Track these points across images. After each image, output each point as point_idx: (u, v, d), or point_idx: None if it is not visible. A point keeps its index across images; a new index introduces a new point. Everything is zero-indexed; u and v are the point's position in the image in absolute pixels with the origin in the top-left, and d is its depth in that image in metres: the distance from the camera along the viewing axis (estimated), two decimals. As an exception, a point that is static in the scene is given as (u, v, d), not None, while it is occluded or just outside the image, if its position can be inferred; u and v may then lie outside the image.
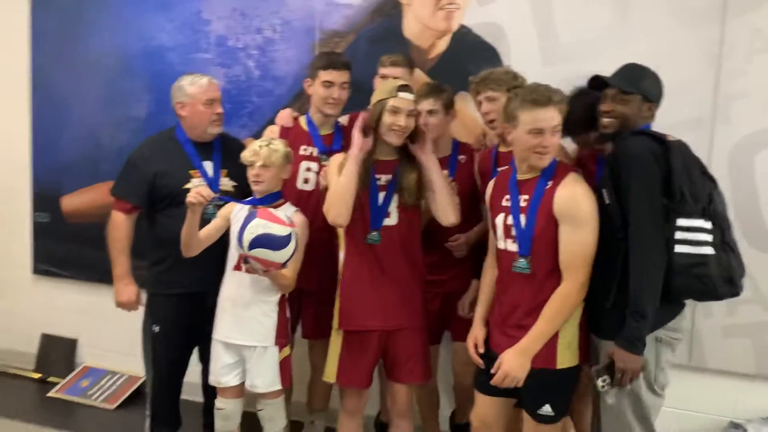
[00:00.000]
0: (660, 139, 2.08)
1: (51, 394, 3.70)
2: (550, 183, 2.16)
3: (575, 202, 2.10)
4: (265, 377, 2.49)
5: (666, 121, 2.70)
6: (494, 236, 2.30)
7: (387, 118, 2.35)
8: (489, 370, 2.21)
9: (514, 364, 2.13)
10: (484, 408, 2.34)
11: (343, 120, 2.90)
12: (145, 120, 3.57)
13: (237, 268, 2.50)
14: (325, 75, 2.70)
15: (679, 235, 2.01)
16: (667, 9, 2.74)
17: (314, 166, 2.76)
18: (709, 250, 2.02)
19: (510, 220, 2.21)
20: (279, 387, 2.51)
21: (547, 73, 2.73)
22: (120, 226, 2.74)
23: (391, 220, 2.42)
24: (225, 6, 3.40)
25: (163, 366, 2.80)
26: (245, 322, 2.48)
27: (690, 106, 2.74)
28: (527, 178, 2.20)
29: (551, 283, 2.14)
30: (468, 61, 2.99)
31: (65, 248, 3.83)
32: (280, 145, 2.51)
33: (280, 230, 2.28)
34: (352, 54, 3.19)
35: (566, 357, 2.15)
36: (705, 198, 2.06)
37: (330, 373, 2.47)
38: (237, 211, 2.51)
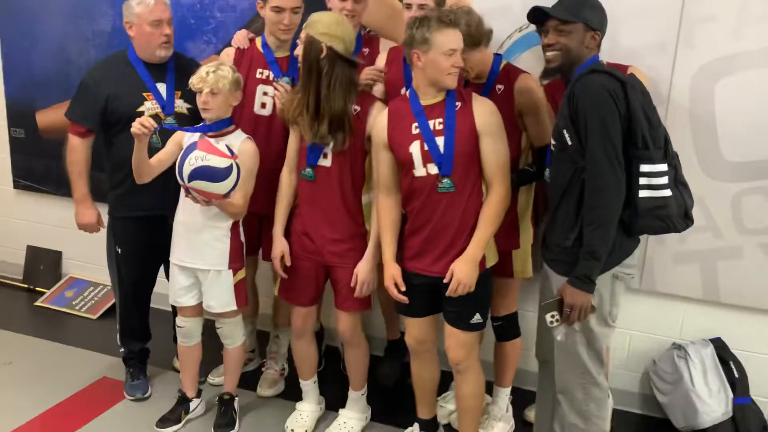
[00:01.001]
0: (619, 78, 2.03)
1: (37, 303, 3.88)
2: (458, 104, 2.27)
3: (494, 116, 2.28)
4: (219, 299, 2.59)
5: (630, 44, 2.68)
6: (405, 168, 2.34)
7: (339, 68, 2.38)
8: (412, 294, 2.39)
9: (465, 271, 2.27)
10: (415, 329, 2.50)
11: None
12: (110, 34, 3.53)
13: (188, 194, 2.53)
14: (273, 0, 2.63)
15: (642, 180, 2.03)
16: (636, -75, 2.61)
17: (270, 90, 2.74)
18: (668, 192, 2.06)
19: (426, 146, 2.27)
20: (234, 308, 2.62)
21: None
22: (76, 149, 2.77)
23: (327, 162, 2.47)
24: None
25: (128, 286, 2.91)
26: (198, 247, 2.55)
27: (655, 29, 2.66)
28: (434, 103, 2.28)
29: (474, 199, 2.29)
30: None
31: (43, 163, 3.89)
32: (228, 71, 2.47)
33: (219, 162, 2.29)
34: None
35: (490, 256, 2.36)
36: (662, 140, 2.07)
37: (276, 288, 2.69)
38: (188, 138, 2.52)
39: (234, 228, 2.58)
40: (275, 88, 2.72)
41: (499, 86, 2.49)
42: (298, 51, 2.41)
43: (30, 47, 3.74)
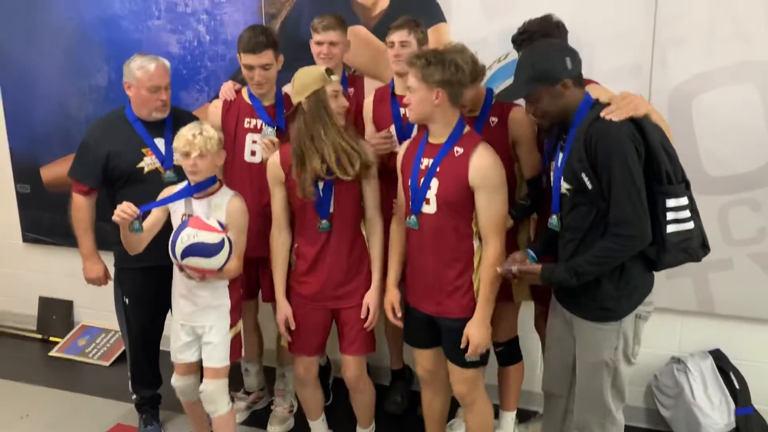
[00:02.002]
0: (632, 119, 2.00)
1: (52, 353, 3.97)
2: (459, 150, 2.26)
3: (492, 170, 2.25)
4: (215, 354, 2.60)
5: (605, 68, 2.75)
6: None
7: (332, 104, 2.43)
8: (414, 325, 2.45)
9: (479, 335, 2.31)
10: (423, 360, 2.55)
11: (287, 89, 2.93)
12: (107, 89, 3.64)
13: None
14: (244, 58, 2.71)
15: (670, 215, 2.02)
16: (604, -46, 2.69)
17: (259, 138, 2.80)
18: (692, 224, 2.06)
19: (410, 182, 2.35)
20: (227, 363, 2.62)
21: (488, 26, 2.76)
22: (81, 208, 2.86)
23: (332, 207, 2.52)
24: (171, -30, 3.39)
25: (137, 334, 2.98)
26: (198, 306, 2.57)
27: (629, 52, 2.74)
28: (436, 143, 2.32)
29: (459, 244, 2.31)
30: (411, 16, 2.97)
31: (49, 216, 3.99)
32: (212, 131, 2.49)
33: (211, 238, 2.33)
34: (298, 14, 3.20)
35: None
36: (682, 173, 2.07)
37: (283, 342, 2.73)
38: (175, 207, 2.55)
39: (232, 283, 2.61)
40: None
41: (493, 119, 2.53)
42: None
43: (31, 104, 3.86)
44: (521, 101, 2.44)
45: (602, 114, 2.01)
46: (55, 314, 4.18)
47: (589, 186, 2.04)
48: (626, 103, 2.02)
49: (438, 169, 2.28)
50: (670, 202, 2.02)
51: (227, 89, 2.89)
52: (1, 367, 3.80)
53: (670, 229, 2.02)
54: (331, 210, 2.51)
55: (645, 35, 2.69)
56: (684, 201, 2.05)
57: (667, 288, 2.86)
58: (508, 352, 2.83)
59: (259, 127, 2.81)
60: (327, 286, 2.57)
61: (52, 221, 3.99)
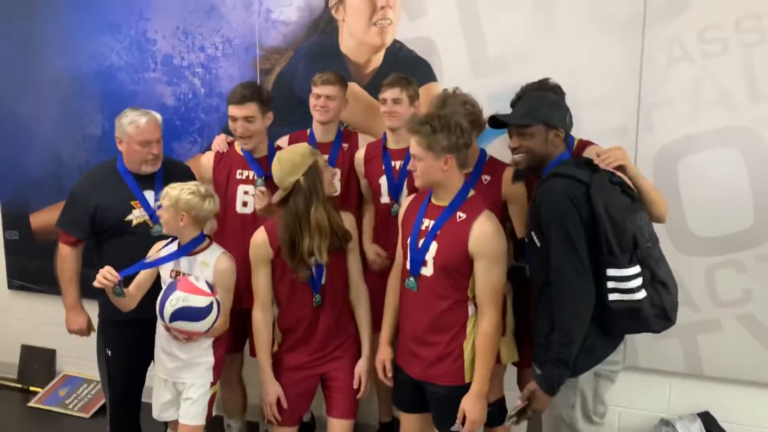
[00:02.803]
0: (582, 181, 2.03)
1: (31, 404, 3.88)
2: (462, 215, 2.24)
3: (493, 239, 2.22)
4: (191, 412, 2.55)
5: (593, 129, 2.80)
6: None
7: (326, 174, 2.47)
8: (402, 387, 2.42)
9: (476, 410, 2.26)
10: (409, 425, 2.49)
11: (281, 142, 2.97)
12: (100, 139, 3.66)
13: None
14: (229, 109, 2.77)
15: (611, 284, 2.02)
16: (591, 20, 2.77)
17: (251, 189, 2.83)
18: (641, 294, 2.03)
19: (409, 242, 2.34)
20: (202, 423, 2.58)
21: (478, 85, 2.81)
22: (66, 258, 2.84)
23: (323, 279, 2.52)
24: (169, 26, 3.45)
25: (118, 387, 2.92)
26: (181, 362, 2.55)
27: (615, 114, 2.79)
28: (440, 206, 2.30)
29: (453, 312, 2.27)
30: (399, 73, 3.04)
31: (36, 264, 3.96)
32: (187, 195, 2.44)
33: (199, 301, 2.32)
34: (292, 69, 3.27)
35: (471, 372, 2.29)
36: (631, 243, 2.02)
37: (267, 420, 2.63)
38: (165, 269, 2.54)
39: (217, 340, 2.58)
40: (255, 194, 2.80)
41: (486, 176, 2.55)
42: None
43: (24, 152, 3.88)
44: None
45: (596, 162, 2.10)
46: (37, 363, 4.10)
47: (538, 244, 2.10)
48: (621, 153, 2.13)
49: (438, 233, 2.26)
50: (611, 272, 2.02)
51: (220, 141, 2.93)
52: (-22, 417, 3.71)
53: (612, 297, 2.03)
54: (322, 282, 2.52)
55: (631, 98, 2.75)
56: (629, 271, 2.01)
57: (655, 349, 2.87)
58: (495, 413, 2.78)
59: (251, 178, 2.84)
60: (315, 354, 2.56)
61: (39, 268, 3.95)
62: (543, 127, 2.15)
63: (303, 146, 2.51)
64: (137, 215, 2.77)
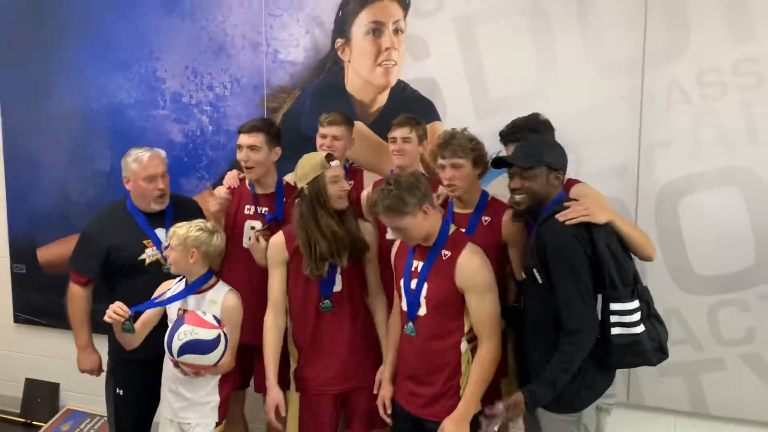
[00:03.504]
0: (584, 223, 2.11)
1: (33, 439, 3.88)
2: (447, 253, 2.30)
3: (479, 272, 2.28)
4: None
5: (594, 169, 2.84)
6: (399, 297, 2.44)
7: (331, 189, 2.51)
8: (400, 423, 2.43)
9: (455, 427, 2.26)
10: None
11: (288, 178, 3.01)
12: (109, 175, 3.71)
13: None
14: (238, 139, 2.84)
15: (614, 318, 2.10)
16: (591, 62, 2.83)
17: (258, 224, 2.86)
18: (640, 328, 2.12)
19: (402, 284, 2.38)
20: None
21: (480, 125, 2.85)
22: (77, 299, 2.85)
23: (338, 287, 2.56)
24: (178, 64, 3.53)
25: (127, 427, 2.90)
26: (186, 403, 2.55)
27: (616, 154, 2.82)
28: (424, 246, 2.36)
29: (450, 348, 2.31)
30: (408, 114, 3.10)
31: (42, 297, 3.99)
32: (196, 232, 2.51)
33: (207, 334, 2.34)
34: (299, 108, 3.33)
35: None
36: (631, 278, 2.14)
37: (292, 429, 2.64)
38: (172, 308, 2.56)
39: (223, 378, 2.59)
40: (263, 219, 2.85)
41: (486, 218, 2.57)
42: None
43: (32, 187, 3.94)
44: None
45: (557, 216, 2.12)
46: (41, 397, 4.10)
47: (540, 280, 2.15)
48: (583, 209, 2.12)
49: (428, 273, 2.31)
50: (614, 306, 2.10)
51: (231, 177, 2.98)
52: (-19, 452, 3.70)
53: (615, 331, 2.10)
54: (337, 289, 2.54)
55: (632, 138, 2.79)
56: (630, 306, 2.10)
57: (659, 387, 2.86)
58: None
59: (259, 213, 2.87)
60: (331, 368, 2.55)
61: (45, 302, 3.99)
62: (545, 169, 2.21)
63: (318, 157, 2.54)
64: (150, 254, 2.78)
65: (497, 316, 2.30)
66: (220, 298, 2.53)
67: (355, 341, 2.57)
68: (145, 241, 2.80)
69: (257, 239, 2.73)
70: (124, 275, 2.77)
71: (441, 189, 2.68)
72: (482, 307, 2.27)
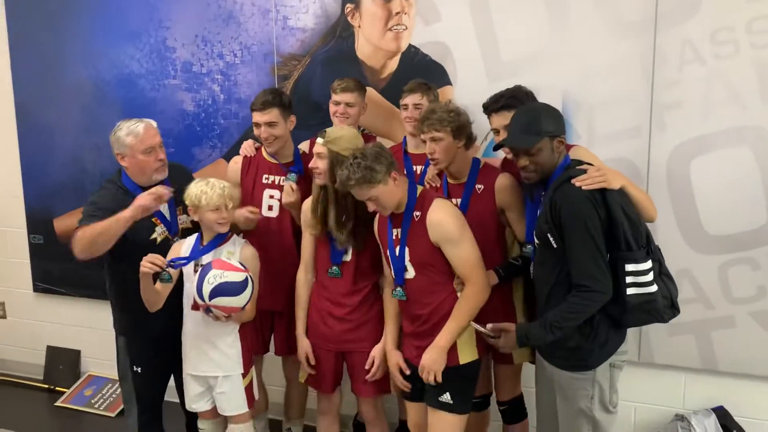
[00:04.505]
0: None
1: (58, 403, 3.98)
2: (417, 213, 2.40)
3: (446, 224, 2.36)
4: (233, 403, 2.67)
5: (606, 131, 2.85)
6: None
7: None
8: (407, 377, 2.53)
9: (430, 357, 2.39)
10: (414, 414, 2.63)
11: (303, 146, 3.03)
12: (122, 145, 3.73)
13: (194, 307, 2.59)
14: (253, 116, 2.84)
15: (629, 279, 2.13)
16: (603, 23, 2.81)
17: (277, 193, 2.90)
18: (654, 288, 2.16)
19: (388, 253, 2.47)
20: (247, 410, 2.71)
21: (492, 89, 2.82)
22: (86, 229, 2.60)
23: (347, 257, 2.62)
24: (188, 33, 3.53)
25: (146, 402, 2.92)
26: (211, 356, 2.64)
27: (628, 115, 2.83)
28: (397, 213, 2.44)
29: (444, 297, 2.42)
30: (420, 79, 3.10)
31: (60, 267, 4.06)
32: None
33: (236, 276, 2.42)
34: (310, 75, 3.33)
35: (466, 353, 2.43)
36: (644, 239, 2.17)
37: (301, 376, 2.82)
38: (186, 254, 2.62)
39: (241, 332, 2.68)
40: (281, 188, 2.86)
41: (479, 186, 2.59)
42: (319, 164, 2.54)
43: (48, 158, 3.98)
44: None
45: (573, 181, 2.13)
46: (62, 364, 4.21)
47: (555, 245, 2.18)
48: (599, 174, 2.14)
49: (407, 237, 2.40)
50: (629, 267, 2.13)
51: (248, 146, 3.00)
52: (7, 416, 3.81)
53: (630, 291, 2.13)
54: (346, 259, 2.61)
55: (643, 99, 2.79)
56: (644, 266, 2.14)
57: (669, 345, 2.91)
58: (513, 410, 2.85)
59: (276, 183, 2.91)
60: (328, 327, 2.67)
61: (63, 271, 4.05)
62: (547, 140, 2.21)
63: (351, 135, 2.58)
64: (160, 232, 2.75)
65: (476, 261, 2.37)
66: (238, 249, 2.62)
67: (355, 311, 2.64)
68: (153, 219, 2.73)
69: (291, 189, 2.80)
70: (137, 258, 2.51)
71: (431, 168, 2.71)
72: (459, 256, 2.35)
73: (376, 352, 2.64)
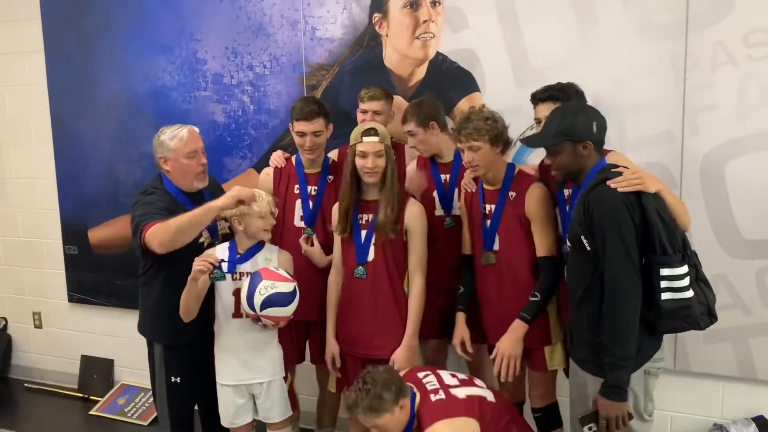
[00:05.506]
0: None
1: (92, 412, 4.04)
2: (513, 193, 2.54)
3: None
4: (279, 409, 2.67)
5: (638, 135, 2.83)
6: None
7: (357, 162, 2.57)
8: None
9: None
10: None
11: (333, 155, 3.05)
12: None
13: (236, 315, 2.58)
14: (297, 125, 2.82)
15: (664, 284, 2.08)
16: (633, 26, 2.79)
17: (309, 204, 2.92)
18: (690, 293, 2.10)
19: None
20: (291, 413, 2.72)
21: (521, 95, 2.84)
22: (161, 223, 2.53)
23: (371, 256, 2.63)
24: (218, 46, 3.59)
25: (182, 416, 2.84)
26: (255, 362, 2.63)
27: (660, 119, 2.80)
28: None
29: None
30: (446, 86, 3.13)
31: (94, 277, 4.14)
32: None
33: (286, 287, 2.45)
34: (338, 85, 3.36)
35: (555, 331, 2.63)
36: (680, 243, 2.12)
37: (331, 385, 2.84)
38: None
39: (279, 337, 2.70)
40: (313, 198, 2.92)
41: (512, 192, 2.58)
42: (379, 163, 2.57)
43: (82, 170, 4.07)
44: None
45: (609, 183, 2.10)
46: (96, 373, 4.27)
47: (588, 248, 2.14)
48: (636, 177, 2.11)
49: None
50: (664, 271, 2.08)
51: (278, 157, 3.01)
52: (43, 425, 3.88)
53: (665, 296, 2.08)
54: (370, 259, 2.63)
55: (675, 103, 2.76)
56: (680, 270, 2.08)
57: (706, 352, 2.86)
58: (547, 418, 2.81)
59: (310, 193, 2.93)
60: (354, 331, 2.69)
61: (97, 281, 4.13)
62: (569, 143, 2.20)
63: (361, 128, 2.63)
64: (206, 236, 2.74)
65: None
66: (274, 255, 2.64)
67: (380, 313, 2.64)
68: None
69: (308, 243, 2.87)
70: (189, 260, 2.50)
71: (467, 174, 2.72)
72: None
73: (397, 356, 2.63)
